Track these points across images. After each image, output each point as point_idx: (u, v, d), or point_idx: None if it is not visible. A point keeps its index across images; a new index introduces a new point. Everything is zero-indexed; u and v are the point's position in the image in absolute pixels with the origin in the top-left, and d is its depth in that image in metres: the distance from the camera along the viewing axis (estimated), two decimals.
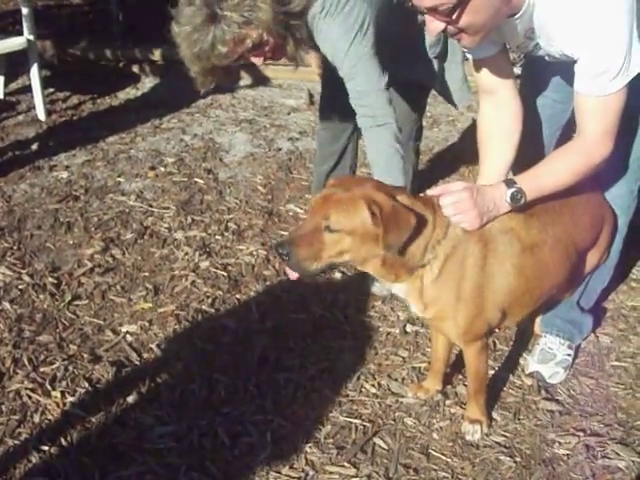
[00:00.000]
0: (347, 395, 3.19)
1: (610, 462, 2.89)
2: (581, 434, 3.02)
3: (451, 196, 2.62)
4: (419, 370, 3.35)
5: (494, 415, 3.11)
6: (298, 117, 5.99)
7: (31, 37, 5.58)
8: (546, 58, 2.78)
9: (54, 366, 3.29)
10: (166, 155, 5.21)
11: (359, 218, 2.41)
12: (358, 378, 3.29)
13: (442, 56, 3.64)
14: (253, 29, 3.05)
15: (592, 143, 2.60)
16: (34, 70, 5.62)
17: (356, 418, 3.08)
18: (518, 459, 2.90)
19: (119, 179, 4.86)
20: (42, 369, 3.27)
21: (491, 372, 3.29)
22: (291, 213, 4.57)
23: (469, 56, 2.92)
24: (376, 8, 3.26)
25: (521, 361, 3.42)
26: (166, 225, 4.35)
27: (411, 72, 3.63)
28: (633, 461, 2.89)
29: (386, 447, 2.95)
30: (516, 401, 3.21)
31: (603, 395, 3.24)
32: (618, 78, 2.46)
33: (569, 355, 3.35)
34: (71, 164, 5.04)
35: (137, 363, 3.33)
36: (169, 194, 4.69)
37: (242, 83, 6.54)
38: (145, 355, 3.38)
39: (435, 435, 3.01)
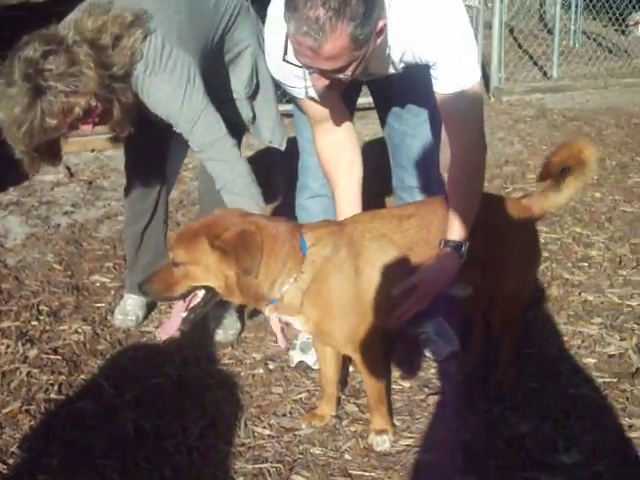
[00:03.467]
0: (243, 444, 3.10)
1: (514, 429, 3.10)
2: (479, 412, 3.19)
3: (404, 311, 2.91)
4: (301, 401, 3.35)
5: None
6: (64, 191, 5.78)
7: None
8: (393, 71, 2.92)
9: None
10: None
11: (198, 249, 2.61)
12: (246, 425, 3.21)
13: (254, 95, 3.66)
14: (80, 97, 2.96)
15: (476, 143, 2.87)
16: None
17: (264, 462, 3.00)
18: (434, 453, 2.98)
19: None
20: None
21: None
22: (98, 284, 4.40)
23: (299, 95, 3.00)
24: (196, 56, 3.24)
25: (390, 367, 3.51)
26: None
27: (227, 114, 3.63)
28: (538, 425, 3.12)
29: None
30: (405, 404, 3.31)
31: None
32: (475, 64, 2.77)
33: None
34: None
35: (6, 472, 3.01)
36: None
37: None
38: (10, 461, 3.06)
39: (347, 456, 3.02)
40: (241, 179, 3.23)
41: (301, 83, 2.91)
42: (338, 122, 3.06)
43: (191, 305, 2.77)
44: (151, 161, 3.76)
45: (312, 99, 2.97)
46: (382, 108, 3.44)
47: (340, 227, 2.87)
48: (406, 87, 3.12)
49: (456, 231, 2.87)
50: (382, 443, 3.02)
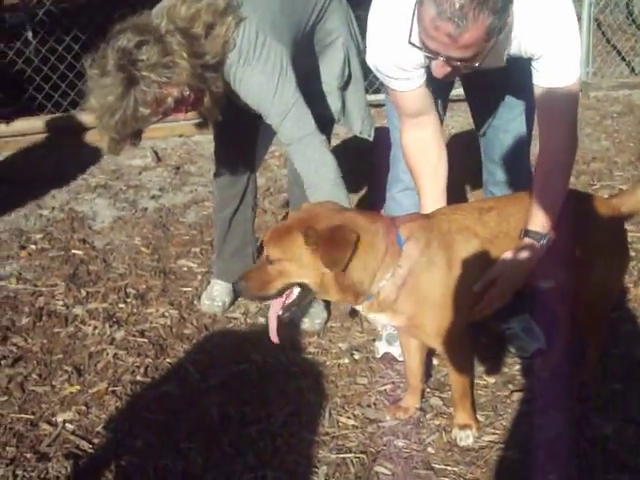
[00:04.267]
0: (327, 433, 3.08)
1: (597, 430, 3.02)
2: (563, 411, 3.10)
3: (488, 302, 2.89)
4: (386, 392, 3.31)
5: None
6: (151, 175, 5.81)
7: None
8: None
9: None
10: (31, 232, 4.87)
11: (293, 246, 2.56)
12: (330, 414, 3.18)
13: (345, 86, 3.61)
14: (173, 87, 2.97)
15: (568, 139, 2.82)
16: None
17: (347, 452, 2.98)
18: (517, 451, 2.93)
19: None
20: None
21: None
22: (185, 269, 4.40)
23: (396, 87, 2.95)
24: (289, 46, 3.21)
25: (474, 363, 3.44)
26: (61, 303, 4.05)
27: (316, 105, 3.59)
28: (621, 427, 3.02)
29: (389, 472, 2.87)
30: (489, 400, 3.26)
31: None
32: (577, 62, 2.71)
33: None
34: None
35: (91, 451, 3.04)
36: (51, 270, 4.39)
37: (81, 149, 6.24)
38: (96, 441, 3.10)
39: (430, 449, 2.98)
40: (325, 183, 3.18)
41: (404, 74, 2.87)
42: (427, 118, 3.03)
43: (287, 303, 2.72)
44: (241, 148, 3.74)
45: (407, 92, 2.94)
46: (475, 102, 3.40)
47: (429, 220, 2.82)
48: (502, 81, 3.06)
49: (538, 222, 2.81)
50: (465, 438, 2.98)
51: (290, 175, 3.89)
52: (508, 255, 2.83)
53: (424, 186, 3.08)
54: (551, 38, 2.65)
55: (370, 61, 2.94)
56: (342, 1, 3.58)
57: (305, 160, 3.18)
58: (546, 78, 2.74)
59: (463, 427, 2.99)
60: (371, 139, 3.76)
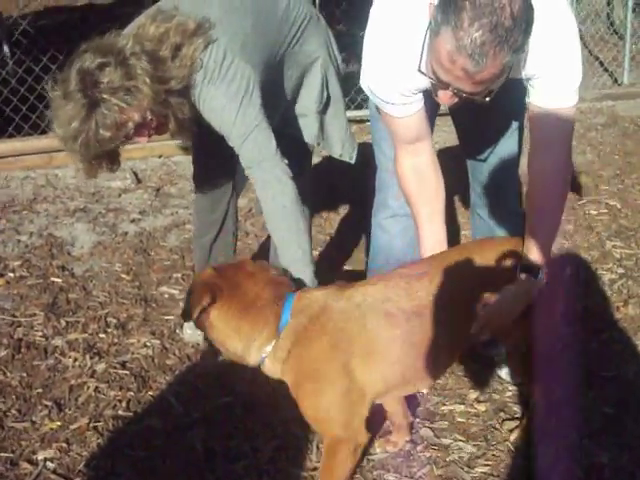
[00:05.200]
0: (315, 468, 3.00)
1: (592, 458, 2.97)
2: (557, 439, 3.01)
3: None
4: (374, 424, 3.19)
5: (468, 448, 3.08)
6: (131, 197, 5.73)
7: None
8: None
9: None
10: (9, 259, 4.77)
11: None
12: (317, 447, 3.10)
13: (324, 109, 3.56)
14: (134, 111, 2.91)
15: (562, 163, 2.72)
16: None
17: None
18: None
19: None
20: None
21: (442, 408, 3.31)
22: (166, 295, 4.33)
23: (394, 113, 2.86)
24: (259, 69, 3.15)
25: (463, 391, 3.41)
26: (40, 333, 3.97)
27: (294, 129, 3.53)
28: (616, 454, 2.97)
29: None
30: (480, 429, 3.20)
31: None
32: (576, 90, 2.63)
33: None
34: None
35: None
36: (29, 299, 4.30)
37: (59, 172, 6.16)
38: None
39: None
40: (281, 210, 3.09)
41: (403, 100, 2.79)
42: (423, 144, 2.93)
43: None
44: (220, 172, 3.69)
45: (404, 118, 2.85)
46: (462, 122, 3.31)
47: (338, 293, 2.64)
48: (491, 102, 2.99)
49: (533, 254, 2.71)
50: None
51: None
52: (505, 292, 2.71)
53: (422, 213, 2.99)
54: (555, 58, 2.57)
55: (366, 84, 2.84)
56: (320, 22, 3.52)
57: (263, 185, 3.11)
58: (543, 98, 2.66)
59: None
60: (352, 162, 3.69)
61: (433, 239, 2.96)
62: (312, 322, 2.54)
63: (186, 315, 2.62)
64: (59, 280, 4.52)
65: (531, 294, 2.74)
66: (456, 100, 2.53)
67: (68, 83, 2.88)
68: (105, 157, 3.10)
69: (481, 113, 2.94)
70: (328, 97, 3.55)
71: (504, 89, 2.60)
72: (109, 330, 3.99)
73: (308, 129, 3.58)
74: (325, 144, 3.64)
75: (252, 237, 5.06)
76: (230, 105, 3.06)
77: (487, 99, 2.50)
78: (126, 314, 4.13)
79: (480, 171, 3.34)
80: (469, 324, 2.68)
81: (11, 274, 4.61)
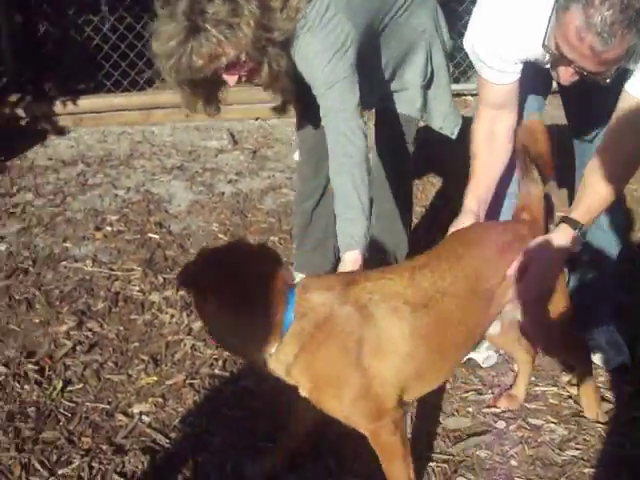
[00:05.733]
0: (408, 439, 2.91)
1: None
2: None
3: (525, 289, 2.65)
4: (467, 399, 3.22)
5: (559, 430, 3.02)
6: (227, 158, 5.70)
7: None
8: None
9: (73, 465, 2.88)
10: (106, 213, 4.80)
11: None
12: (412, 420, 3.07)
13: (428, 84, 3.48)
14: (230, 48, 2.89)
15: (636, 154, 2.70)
16: None
17: (429, 461, 2.88)
18: (600, 469, 2.81)
19: (65, 245, 4.43)
20: (61, 471, 2.85)
21: (535, 389, 3.24)
22: None
23: (488, 77, 2.84)
24: (359, 29, 3.09)
25: (556, 373, 3.35)
26: (137, 288, 3.97)
27: (395, 103, 3.46)
28: None
29: None
30: (572, 412, 3.12)
31: None
32: None
33: None
34: (5, 234, 4.56)
35: (168, 446, 2.96)
36: (127, 254, 4.32)
37: (155, 129, 6.17)
38: (173, 435, 3.02)
39: (513, 462, 2.87)
40: (348, 159, 2.99)
41: (501, 66, 2.76)
42: (506, 113, 2.92)
43: None
44: (323, 138, 3.61)
45: (497, 85, 2.85)
46: (572, 103, 3.24)
47: (342, 292, 2.46)
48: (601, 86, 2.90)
49: (578, 212, 2.71)
50: None
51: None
52: (539, 239, 2.69)
53: (478, 177, 2.98)
54: None
55: (470, 43, 2.83)
56: None
57: (336, 133, 3.03)
58: None
59: None
60: (453, 137, 3.60)
61: (473, 198, 2.94)
62: (318, 328, 2.37)
63: (184, 283, 2.42)
64: (156, 236, 4.53)
65: (567, 246, 2.69)
66: (575, 78, 2.49)
67: (177, 5, 2.89)
68: (200, 92, 3.11)
69: (593, 94, 2.85)
70: (432, 72, 3.48)
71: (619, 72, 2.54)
72: None
73: (412, 103, 3.51)
74: (427, 117, 3.56)
75: None
76: (323, 54, 3.02)
77: (607, 80, 2.45)
78: None
79: (586, 152, 3.23)
80: (480, 311, 2.63)
81: (109, 228, 4.64)
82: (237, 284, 2.30)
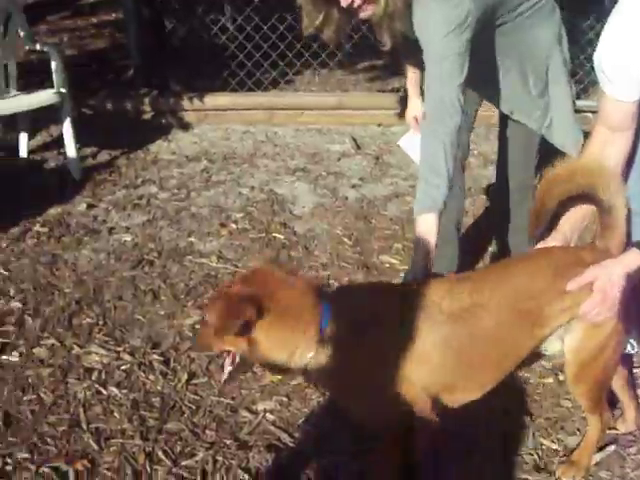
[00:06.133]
0: (529, 454, 2.92)
1: None
2: None
3: (589, 307, 2.51)
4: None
5: None
6: (350, 163, 5.66)
7: (63, 90, 5.15)
8: None
9: (197, 457, 2.88)
10: (231, 210, 4.82)
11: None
12: (533, 435, 3.01)
13: (543, 93, 3.40)
14: None
15: None
16: (67, 125, 5.23)
17: (550, 476, 2.82)
18: None
19: (190, 239, 4.46)
20: (184, 462, 2.86)
21: None
22: (387, 265, 4.24)
23: (613, 94, 2.69)
24: (479, 14, 3.02)
25: None
26: None
27: (519, 114, 3.40)
28: None
29: None
30: None
31: None
32: None
33: None
34: (130, 225, 4.62)
35: (292, 445, 2.94)
36: (251, 252, 4.32)
37: (278, 130, 6.19)
38: (297, 435, 3.00)
39: None
40: (443, 128, 2.96)
41: (627, 84, 2.62)
42: (620, 137, 2.76)
43: (229, 369, 2.47)
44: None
45: (618, 103, 2.68)
46: None
47: (376, 297, 2.54)
48: None
49: None
50: None
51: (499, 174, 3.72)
52: (607, 260, 2.55)
53: None
54: None
55: (598, 58, 2.68)
56: (555, 12, 3.37)
57: (437, 100, 2.99)
58: None
59: None
60: (574, 154, 3.47)
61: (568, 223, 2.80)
62: (353, 333, 2.39)
63: (219, 331, 2.33)
64: (281, 236, 4.52)
65: (634, 270, 2.53)
66: None
67: None
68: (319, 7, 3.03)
69: None
70: (547, 83, 3.39)
71: None
72: None
73: (533, 116, 3.42)
74: (548, 132, 3.45)
75: (470, 216, 4.88)
76: (442, 26, 2.95)
77: None
78: (347, 278, 4.08)
79: None
80: (524, 333, 2.55)
81: (234, 225, 4.65)
82: (279, 304, 2.32)
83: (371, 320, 2.40)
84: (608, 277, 2.52)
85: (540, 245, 2.78)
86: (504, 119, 3.54)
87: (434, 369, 2.44)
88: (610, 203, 2.57)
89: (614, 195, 2.57)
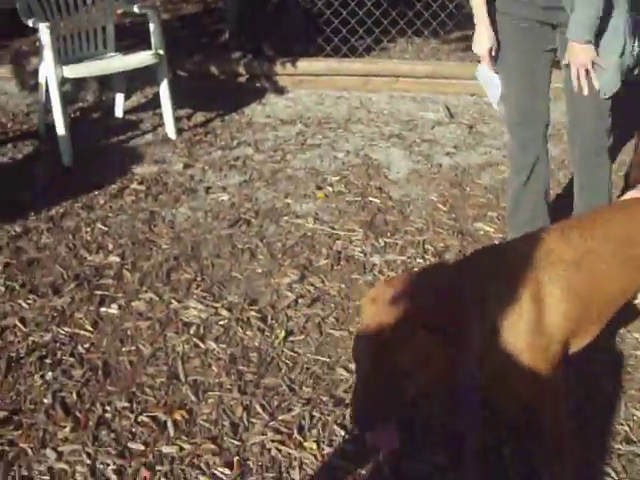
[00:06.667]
0: (621, 424, 2.86)
1: None
2: None
3: None
4: None
5: None
6: (444, 131, 5.61)
7: (161, 52, 5.21)
8: None
9: (294, 412, 2.91)
10: (326, 173, 4.83)
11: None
12: (625, 405, 2.95)
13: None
14: None
15: None
16: (164, 86, 5.29)
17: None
18: None
19: (287, 200, 4.48)
20: (281, 417, 2.88)
21: None
22: (481, 232, 4.19)
23: None
24: None
25: None
26: (359, 249, 3.96)
27: None
28: None
29: None
30: None
31: None
32: None
33: None
34: (227, 185, 4.66)
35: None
36: (348, 215, 4.31)
37: (373, 96, 6.17)
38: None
39: None
40: None
41: None
42: None
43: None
44: (533, 108, 3.51)
45: None
46: None
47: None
48: None
49: None
50: None
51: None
52: None
53: None
54: None
55: None
56: None
57: None
58: None
59: None
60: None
61: None
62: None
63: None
64: (377, 200, 4.51)
65: None
66: None
67: None
68: None
69: None
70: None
71: None
72: (427, 257, 3.93)
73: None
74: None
75: (564, 188, 4.79)
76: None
77: None
78: (443, 244, 4.05)
79: None
80: (630, 278, 2.58)
81: (329, 188, 4.66)
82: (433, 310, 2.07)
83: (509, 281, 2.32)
84: None
85: (628, 195, 2.75)
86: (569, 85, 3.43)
87: (566, 315, 2.39)
88: None
89: None
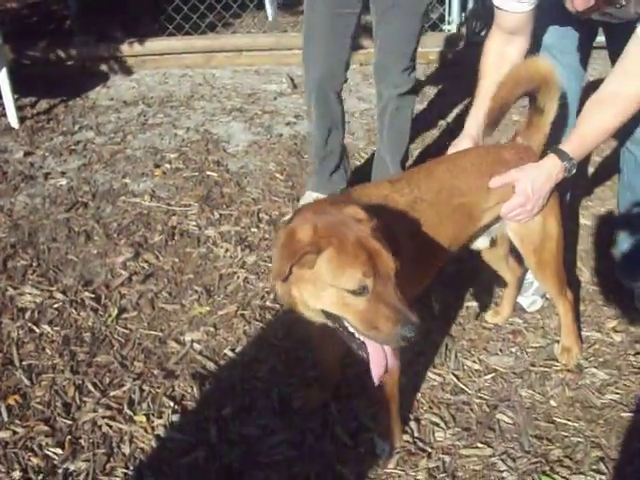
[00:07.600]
0: (452, 375, 3.04)
1: None
2: None
3: (510, 208, 2.73)
4: (509, 340, 3.24)
5: (600, 374, 3.03)
6: (286, 101, 5.70)
7: None
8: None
9: (125, 388, 2.97)
10: (165, 151, 4.86)
11: None
12: (456, 356, 3.12)
13: None
14: None
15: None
16: (3, 75, 5.19)
17: (470, 397, 2.94)
18: (639, 414, 2.80)
19: (125, 180, 4.50)
20: (112, 393, 2.94)
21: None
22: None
23: (504, 6, 2.85)
24: None
25: (601, 319, 3.33)
26: (194, 223, 4.02)
27: None
28: None
29: (510, 421, 2.81)
30: (614, 358, 3.11)
31: None
32: None
33: None
34: (66, 170, 4.65)
35: (217, 372, 3.03)
36: (185, 191, 4.36)
37: (216, 72, 6.20)
38: (222, 362, 3.09)
39: (553, 402, 2.90)
40: None
41: None
42: (518, 39, 2.94)
43: None
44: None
45: (511, 14, 2.87)
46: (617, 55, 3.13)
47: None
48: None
49: (570, 145, 2.75)
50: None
51: None
52: (526, 165, 2.72)
53: (482, 99, 2.96)
54: None
55: None
56: None
57: None
58: None
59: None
60: None
61: (474, 121, 2.97)
62: None
63: None
64: (214, 174, 4.57)
65: (556, 174, 2.73)
66: (591, 4, 2.49)
67: None
68: None
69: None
70: None
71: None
72: (261, 225, 4.01)
73: None
74: None
75: None
76: None
77: (623, 2, 2.47)
78: (278, 211, 4.14)
79: None
80: (459, 221, 2.69)
81: (168, 165, 4.69)
82: None
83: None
84: (530, 182, 2.67)
85: (452, 149, 2.90)
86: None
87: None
88: (544, 105, 2.76)
89: (550, 99, 2.75)
